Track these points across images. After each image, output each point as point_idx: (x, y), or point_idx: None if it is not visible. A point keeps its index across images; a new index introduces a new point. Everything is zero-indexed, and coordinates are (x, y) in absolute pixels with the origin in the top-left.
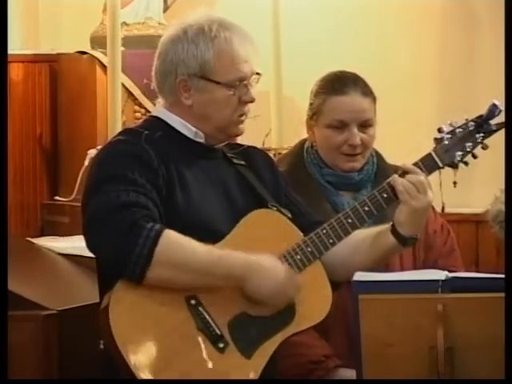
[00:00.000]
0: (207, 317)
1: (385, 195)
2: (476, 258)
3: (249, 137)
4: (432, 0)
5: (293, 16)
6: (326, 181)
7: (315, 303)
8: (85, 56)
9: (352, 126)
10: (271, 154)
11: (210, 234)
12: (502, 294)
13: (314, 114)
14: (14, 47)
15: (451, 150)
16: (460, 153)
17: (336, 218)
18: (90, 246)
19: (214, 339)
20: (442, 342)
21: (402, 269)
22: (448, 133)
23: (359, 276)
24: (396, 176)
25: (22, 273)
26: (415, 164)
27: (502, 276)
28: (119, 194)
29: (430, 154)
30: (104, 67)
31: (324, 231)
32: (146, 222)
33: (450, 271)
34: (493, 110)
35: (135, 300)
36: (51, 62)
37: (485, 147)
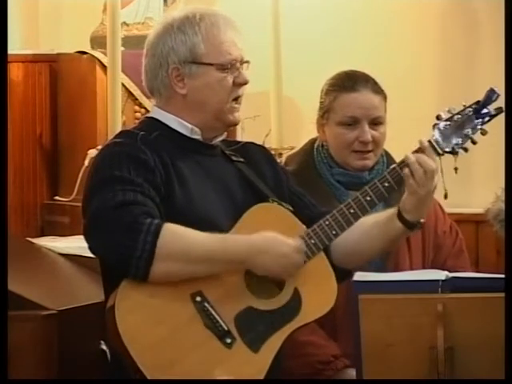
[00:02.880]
0: (213, 313)
1: (386, 184)
2: (476, 258)
3: (249, 137)
4: (433, 0)
5: (293, 16)
6: (336, 180)
7: (320, 295)
8: (85, 56)
9: (363, 122)
10: None
11: (211, 231)
12: (502, 294)
13: (325, 113)
14: (14, 47)
15: (450, 136)
16: (459, 139)
17: (338, 209)
18: (92, 249)
19: (221, 335)
20: (442, 342)
21: (411, 268)
22: (447, 119)
23: (359, 276)
24: (397, 168)
25: (22, 273)
26: (415, 152)
27: (502, 276)
28: (116, 194)
29: (429, 142)
30: (104, 67)
31: (327, 223)
32: (145, 219)
33: (458, 272)
34: (490, 96)
35: (140, 298)
36: (51, 62)
37: (484, 133)
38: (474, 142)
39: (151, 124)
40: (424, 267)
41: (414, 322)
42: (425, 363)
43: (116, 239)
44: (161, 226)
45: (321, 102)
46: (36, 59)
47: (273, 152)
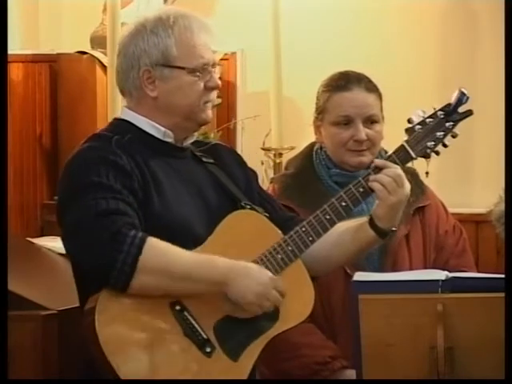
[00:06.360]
0: (193, 322)
1: (361, 189)
2: (476, 258)
3: (249, 137)
4: (433, 0)
5: (293, 16)
6: (334, 182)
7: (298, 302)
8: (85, 56)
9: (357, 121)
10: (271, 154)
11: (187, 236)
12: (502, 294)
13: (320, 113)
14: (14, 47)
15: (423, 140)
16: (432, 143)
17: (314, 215)
18: (72, 256)
19: (201, 344)
20: (442, 342)
21: (411, 268)
22: (419, 123)
23: (359, 276)
24: (372, 173)
25: (21, 273)
26: (389, 156)
27: (502, 276)
28: (98, 203)
29: (402, 146)
30: (104, 67)
31: (303, 229)
32: (128, 230)
33: (461, 271)
34: (461, 98)
35: (120, 309)
36: (51, 62)
37: (455, 135)
38: (445, 146)
39: (123, 126)
40: (425, 267)
41: (414, 322)
42: (425, 363)
43: (98, 249)
44: (145, 240)
45: (316, 104)
46: (36, 59)
47: (273, 152)
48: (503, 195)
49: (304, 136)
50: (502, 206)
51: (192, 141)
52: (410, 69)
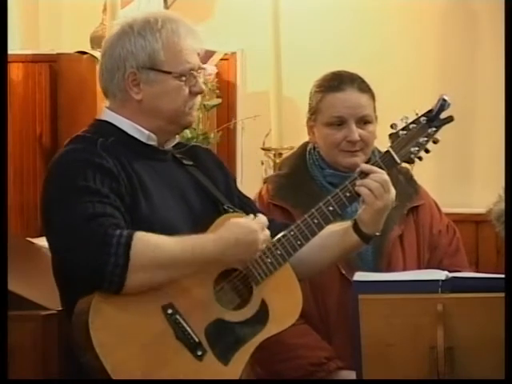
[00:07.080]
0: (185, 325)
1: (348, 194)
2: (476, 258)
3: (249, 137)
4: (433, 0)
5: (293, 16)
6: (328, 182)
7: (287, 306)
8: (85, 56)
9: (350, 122)
10: (271, 154)
11: None
12: (502, 294)
13: (313, 114)
14: (14, 47)
15: (407, 145)
16: (416, 148)
17: (302, 220)
18: (59, 258)
19: (193, 347)
20: (441, 342)
21: (405, 269)
22: (402, 128)
23: (359, 276)
24: (358, 178)
25: (21, 273)
26: (375, 162)
27: (502, 276)
28: (86, 207)
29: (388, 152)
30: None
31: (292, 233)
32: (114, 231)
33: (455, 271)
34: (442, 104)
35: (113, 312)
36: (51, 62)
37: (436, 141)
38: (427, 151)
39: (105, 128)
40: (419, 267)
41: (414, 322)
42: (425, 363)
43: (87, 253)
44: (131, 237)
45: (309, 104)
46: (36, 59)
47: (273, 152)
48: (503, 194)
49: (304, 136)
50: (502, 205)
51: (174, 143)
52: (409, 69)
